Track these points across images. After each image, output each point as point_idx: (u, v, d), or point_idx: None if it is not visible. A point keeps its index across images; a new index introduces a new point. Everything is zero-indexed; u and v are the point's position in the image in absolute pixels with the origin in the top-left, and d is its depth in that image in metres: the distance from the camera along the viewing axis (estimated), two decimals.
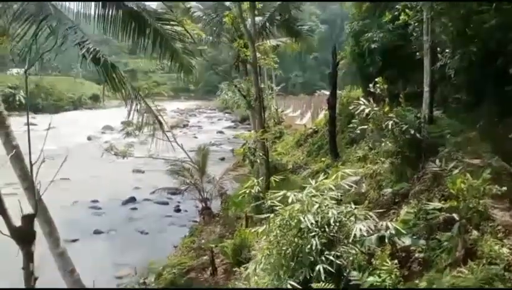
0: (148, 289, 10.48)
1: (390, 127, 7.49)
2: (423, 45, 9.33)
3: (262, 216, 5.85)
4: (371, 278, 4.88)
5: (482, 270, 4.44)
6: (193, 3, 17.23)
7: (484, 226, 5.15)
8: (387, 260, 5.10)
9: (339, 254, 4.82)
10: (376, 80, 8.66)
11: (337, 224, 5.11)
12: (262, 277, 5.28)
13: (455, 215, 4.98)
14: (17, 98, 48.83)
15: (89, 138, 35.76)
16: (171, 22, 8.81)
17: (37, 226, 6.84)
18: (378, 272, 4.99)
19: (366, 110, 7.80)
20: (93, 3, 7.90)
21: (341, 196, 6.04)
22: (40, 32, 6.82)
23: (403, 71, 11.87)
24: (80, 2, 7.94)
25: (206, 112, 62.60)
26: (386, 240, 5.22)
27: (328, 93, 15.88)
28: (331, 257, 4.69)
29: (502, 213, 5.39)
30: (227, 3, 16.61)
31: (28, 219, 3.65)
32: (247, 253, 8.31)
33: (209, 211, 14.05)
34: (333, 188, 5.46)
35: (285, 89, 48.74)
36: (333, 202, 5.33)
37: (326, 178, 5.91)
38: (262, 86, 15.65)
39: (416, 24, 9.88)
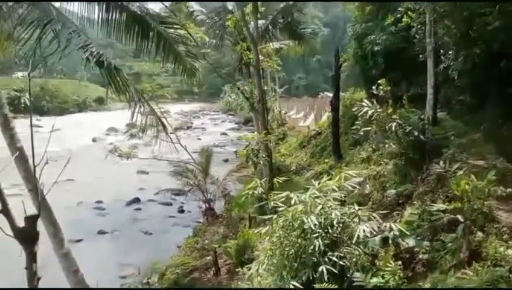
0: (151, 289, 10.53)
1: (393, 128, 7.48)
2: (426, 47, 9.34)
3: (266, 217, 5.85)
4: (374, 279, 4.86)
5: (487, 272, 4.42)
6: (196, 7, 17.32)
7: (489, 227, 5.13)
8: (391, 261, 5.08)
9: (342, 255, 4.80)
10: (379, 82, 8.66)
11: (341, 225, 5.10)
12: (265, 277, 5.27)
13: (459, 217, 4.97)
14: (23, 101, 49.18)
15: (94, 140, 35.94)
16: (175, 26, 8.87)
17: (42, 227, 6.93)
18: (381, 273, 4.98)
19: (370, 112, 7.80)
20: (97, 7, 7.96)
21: (344, 197, 6.03)
22: (44, 36, 6.87)
23: (406, 73, 11.86)
24: (84, 7, 8.01)
25: (209, 114, 62.72)
26: (390, 241, 5.20)
27: (331, 95, 15.90)
28: (334, 258, 4.67)
29: (507, 215, 5.37)
30: (230, 7, 16.69)
31: (31, 220, 3.66)
32: (251, 253, 8.31)
33: (213, 212, 14.08)
34: (336, 189, 5.45)
35: (288, 91, 48.79)
36: (336, 203, 5.32)
37: (329, 179, 5.91)
38: (265, 88, 15.65)
39: (419, 26, 9.89)
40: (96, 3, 7.94)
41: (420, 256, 5.39)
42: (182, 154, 14.34)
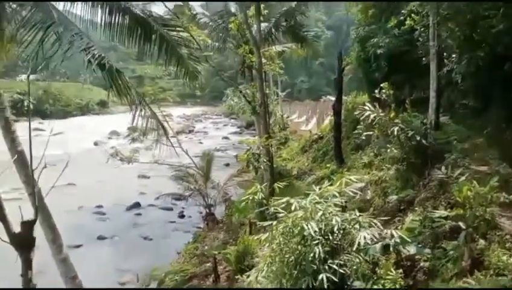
0: (150, 289, 10.46)
1: (396, 133, 7.40)
2: (429, 50, 9.27)
3: (266, 223, 5.78)
4: (375, 288, 4.78)
5: (490, 281, 4.33)
6: (199, 10, 17.34)
7: (491, 235, 5.04)
8: (392, 269, 5.00)
9: (342, 262, 4.70)
10: (382, 85, 8.59)
11: (341, 232, 5.01)
12: (265, 284, 5.19)
13: (461, 224, 4.88)
14: (26, 104, 49.34)
15: (96, 143, 35.99)
16: (177, 28, 8.84)
17: (41, 232, 6.89)
18: (382, 281, 4.90)
19: (372, 116, 7.73)
20: (100, 10, 7.95)
21: (345, 202, 5.95)
22: (47, 38, 6.86)
23: (409, 77, 11.79)
24: (87, 10, 8.00)
25: (212, 118, 62.75)
26: (391, 249, 5.11)
27: (333, 99, 15.82)
28: (335, 266, 4.58)
29: (510, 222, 5.28)
30: (233, 10, 16.70)
31: (27, 225, 3.63)
32: (251, 260, 8.21)
33: (213, 217, 13.99)
34: (337, 195, 5.37)
35: (290, 94, 48.72)
36: (337, 209, 5.24)
37: (330, 185, 5.83)
38: (267, 91, 15.65)
39: (422, 29, 9.82)
40: (99, 6, 7.94)
41: (421, 264, 5.30)
42: (184, 158, 14.30)
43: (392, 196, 7.69)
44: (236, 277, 7.91)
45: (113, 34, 8.04)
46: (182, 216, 17.90)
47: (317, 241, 4.76)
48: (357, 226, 5.09)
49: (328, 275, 4.48)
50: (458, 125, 9.36)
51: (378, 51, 12.66)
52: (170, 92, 68.90)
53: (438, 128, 8.98)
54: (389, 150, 7.99)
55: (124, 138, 18.08)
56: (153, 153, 11.78)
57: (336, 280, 4.50)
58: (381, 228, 5.18)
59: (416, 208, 6.65)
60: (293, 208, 5.16)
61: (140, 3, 8.60)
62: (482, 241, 4.96)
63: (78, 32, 7.01)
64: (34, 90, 54.19)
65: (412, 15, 9.88)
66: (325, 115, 24.64)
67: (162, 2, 11.40)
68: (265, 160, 11.98)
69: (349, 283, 4.80)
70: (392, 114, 7.77)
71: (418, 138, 7.39)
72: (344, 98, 15.94)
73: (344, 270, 4.68)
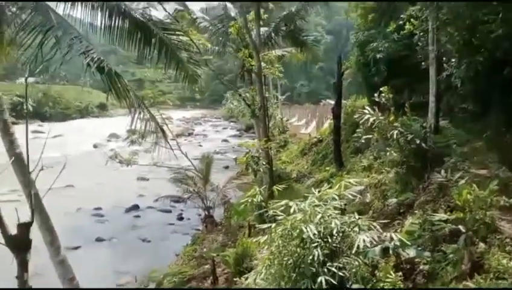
0: (148, 289, 10.40)
1: (395, 136, 7.40)
2: (429, 55, 9.31)
3: (265, 226, 5.77)
4: None
5: (490, 285, 4.30)
6: (199, 14, 17.41)
7: (491, 238, 5.02)
8: (391, 272, 4.98)
9: (341, 265, 4.68)
10: (381, 89, 8.60)
11: (340, 234, 4.99)
12: (263, 287, 5.17)
13: (461, 227, 4.86)
14: (25, 107, 49.30)
15: (95, 146, 35.99)
16: (177, 32, 8.86)
17: (39, 234, 6.86)
18: (381, 284, 4.87)
19: (371, 120, 7.73)
20: (99, 13, 7.97)
21: (345, 205, 5.93)
22: (46, 41, 6.87)
23: (408, 81, 11.83)
24: (87, 13, 8.01)
25: (211, 121, 62.80)
26: (390, 252, 5.09)
27: (333, 102, 15.85)
28: (334, 269, 4.56)
29: (510, 225, 5.27)
30: (233, 14, 16.76)
31: (24, 227, 3.61)
32: (249, 263, 8.18)
33: (212, 220, 13.97)
34: (336, 197, 5.36)
35: (290, 98, 48.85)
36: (336, 212, 5.22)
37: (330, 187, 5.81)
38: (267, 95, 15.66)
39: (421, 34, 9.87)
40: (99, 9, 7.96)
41: (421, 267, 5.28)
42: (183, 161, 14.29)
43: (391, 199, 7.68)
44: (235, 279, 7.88)
45: (112, 38, 8.03)
46: (180, 218, 17.84)
47: (316, 244, 4.74)
48: (356, 229, 5.07)
49: (327, 277, 4.46)
50: (458, 129, 9.37)
51: (378, 56, 12.72)
52: (170, 95, 68.81)
53: (438, 132, 8.99)
54: (388, 153, 7.98)
55: (123, 141, 18.03)
56: (152, 156, 11.77)
57: (334, 282, 4.48)
58: (381, 231, 5.16)
59: (416, 211, 6.64)
60: (292, 210, 5.15)
61: (141, 7, 8.63)
62: (482, 245, 4.94)
63: (78, 36, 7.02)
64: (33, 93, 54.16)
65: (411, 20, 9.93)
66: (325, 119, 24.67)
67: (160, 2, 11.43)
68: (264, 163, 11.98)
69: (348, 286, 4.77)
70: (392, 118, 7.77)
71: (418, 142, 7.39)
72: (343, 101, 15.97)
73: (343, 273, 4.66)
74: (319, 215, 4.99)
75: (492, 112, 8.67)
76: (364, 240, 4.75)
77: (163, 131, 8.55)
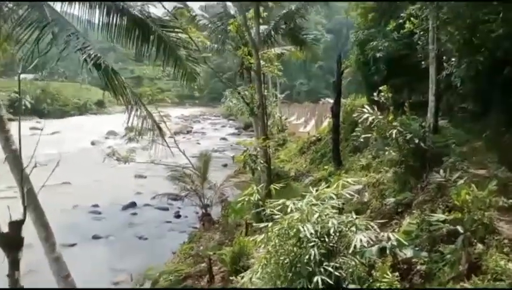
0: (146, 289, 10.36)
1: (394, 135, 7.36)
2: (429, 54, 9.24)
3: (262, 225, 5.72)
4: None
5: (487, 286, 4.26)
6: (198, 12, 17.32)
7: (489, 239, 4.98)
8: (388, 272, 4.94)
9: (338, 265, 4.64)
10: (380, 88, 8.56)
11: (337, 234, 4.95)
12: (260, 286, 5.13)
13: (459, 228, 4.81)
14: (23, 103, 49.10)
15: (93, 143, 35.89)
16: (176, 30, 8.79)
17: (34, 231, 6.81)
18: (378, 284, 4.83)
19: (370, 119, 7.69)
20: (97, 10, 7.90)
21: (343, 204, 5.88)
22: (43, 37, 6.81)
23: (408, 80, 11.78)
24: (85, 10, 7.95)
25: (210, 119, 62.71)
26: (388, 252, 5.04)
27: (332, 101, 15.80)
28: (330, 268, 4.52)
29: (508, 226, 5.23)
30: (232, 12, 16.67)
31: (16, 225, 3.55)
32: (246, 261, 8.14)
33: (209, 218, 13.92)
34: (334, 197, 5.31)
35: (289, 96, 48.77)
36: (334, 211, 5.18)
37: (328, 186, 5.77)
38: (266, 93, 15.58)
39: (421, 33, 9.80)
40: (97, 7, 7.89)
41: (418, 267, 5.24)
42: (181, 158, 14.23)
43: (389, 198, 7.64)
44: (231, 277, 7.84)
45: (111, 35, 7.99)
46: (178, 216, 17.82)
47: (313, 244, 4.70)
48: (353, 228, 5.03)
49: (323, 277, 4.42)
50: (457, 129, 9.33)
51: (378, 54, 12.67)
52: (169, 93, 68.75)
53: (437, 132, 8.94)
54: (387, 153, 7.95)
55: (121, 138, 17.97)
56: (150, 153, 11.70)
57: (331, 282, 4.44)
58: (378, 230, 5.11)
59: (414, 211, 6.60)
60: (289, 209, 5.10)
61: (139, 4, 8.56)
62: (479, 246, 4.90)
63: (75, 32, 6.96)
64: (32, 90, 54.02)
65: (412, 18, 9.86)
66: (324, 117, 24.65)
67: (159, 2, 11.36)
68: (262, 161, 11.92)
69: (344, 286, 4.73)
70: (391, 117, 7.74)
71: (417, 141, 7.36)
72: (343, 100, 15.93)
73: (339, 272, 4.62)
74: (316, 215, 4.95)
75: (492, 112, 8.64)
76: (361, 240, 4.71)
77: (160, 129, 8.50)
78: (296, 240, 4.91)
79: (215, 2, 19.90)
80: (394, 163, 8.02)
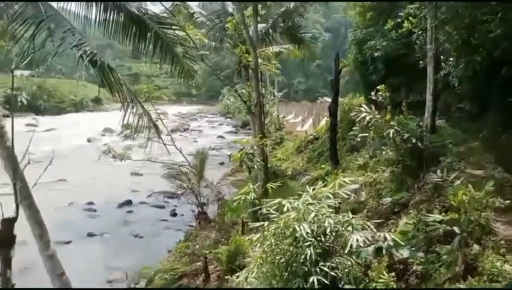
0: (143, 289, 10.32)
1: (391, 135, 7.34)
2: (427, 54, 9.22)
3: (258, 224, 5.69)
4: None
5: (483, 288, 4.24)
6: (196, 9, 17.23)
7: (486, 240, 4.96)
8: (384, 273, 4.92)
9: (334, 265, 4.62)
10: (378, 87, 8.54)
11: (334, 234, 4.92)
12: (255, 285, 5.10)
13: (456, 228, 4.79)
14: (19, 99, 48.85)
15: (89, 140, 35.76)
16: (173, 27, 8.74)
17: (28, 228, 6.74)
18: (374, 284, 4.81)
19: (368, 118, 7.66)
20: (94, 7, 7.84)
21: (339, 204, 5.86)
22: (38, 34, 6.74)
23: (406, 79, 11.78)
24: (82, 7, 7.88)
25: (207, 117, 62.64)
26: (384, 252, 5.02)
27: (330, 100, 15.77)
28: (326, 268, 4.49)
29: (504, 227, 5.21)
30: (230, 10, 16.60)
31: (7, 222, 3.50)
32: (242, 260, 8.11)
33: (205, 216, 13.86)
34: (331, 196, 5.28)
35: (287, 95, 48.86)
36: (330, 210, 5.15)
37: (325, 185, 5.74)
38: (263, 91, 15.52)
39: (420, 32, 9.78)
40: (93, 3, 7.82)
41: (414, 268, 5.22)
42: (177, 156, 14.17)
43: (386, 198, 7.62)
44: (227, 276, 7.80)
45: (108, 32, 7.94)
46: (174, 214, 17.75)
47: (309, 243, 4.67)
48: (350, 228, 5.00)
49: (319, 277, 4.39)
50: (454, 129, 9.32)
51: (376, 54, 12.66)
52: (166, 90, 68.55)
53: (434, 132, 8.93)
54: (384, 152, 7.93)
55: (118, 135, 17.88)
56: (146, 151, 11.64)
57: (327, 282, 4.41)
58: (375, 230, 5.09)
59: (411, 211, 6.58)
60: (285, 209, 5.07)
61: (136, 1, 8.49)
62: (476, 247, 4.88)
63: (71, 29, 6.90)
64: (28, 86, 53.72)
65: (410, 18, 9.84)
66: (321, 116, 24.64)
67: (159, 1, 11.31)
68: (259, 160, 11.88)
69: (340, 286, 4.70)
70: (388, 116, 7.71)
71: (414, 141, 7.34)
72: (340, 99, 15.90)
73: (335, 272, 4.59)
74: (313, 214, 4.92)
75: (489, 112, 8.64)
76: (357, 240, 4.68)
77: (156, 126, 8.45)
78: (292, 240, 4.88)
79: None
80: (391, 162, 8.00)
